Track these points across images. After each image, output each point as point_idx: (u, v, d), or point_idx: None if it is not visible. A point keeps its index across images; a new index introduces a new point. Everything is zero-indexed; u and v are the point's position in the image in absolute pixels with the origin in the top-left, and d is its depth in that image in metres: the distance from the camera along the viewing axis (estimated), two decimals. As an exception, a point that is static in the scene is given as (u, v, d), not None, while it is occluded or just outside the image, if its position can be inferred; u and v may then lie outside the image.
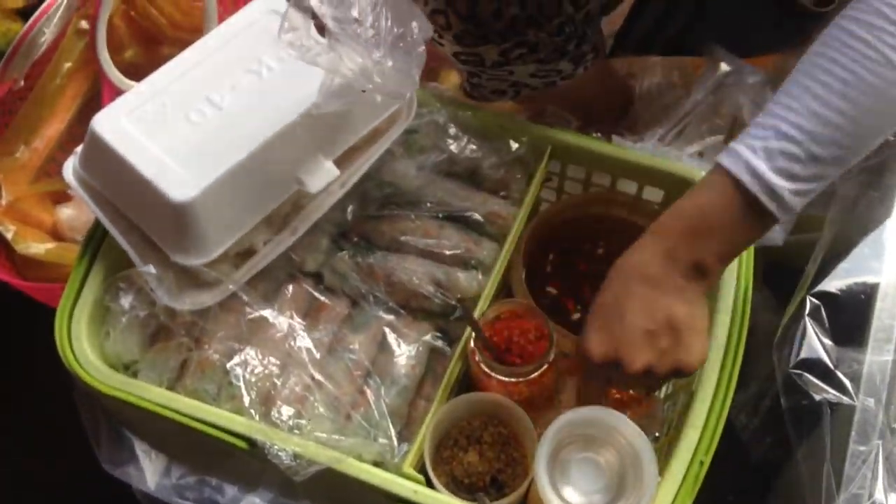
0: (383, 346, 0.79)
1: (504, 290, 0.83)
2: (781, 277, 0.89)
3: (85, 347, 0.75)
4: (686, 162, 0.85)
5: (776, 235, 0.96)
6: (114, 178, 0.76)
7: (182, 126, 0.75)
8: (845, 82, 0.61)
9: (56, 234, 1.12)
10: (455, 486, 0.73)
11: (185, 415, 0.72)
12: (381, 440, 0.73)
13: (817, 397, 0.63)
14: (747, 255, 0.78)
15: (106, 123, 0.75)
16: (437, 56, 1.16)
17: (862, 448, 0.63)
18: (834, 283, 0.68)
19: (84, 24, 1.10)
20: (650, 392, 0.77)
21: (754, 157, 0.62)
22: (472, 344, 0.75)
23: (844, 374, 0.64)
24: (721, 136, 1.01)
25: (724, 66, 1.01)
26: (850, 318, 0.67)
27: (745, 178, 0.62)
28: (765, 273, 0.88)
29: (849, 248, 0.73)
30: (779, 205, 0.62)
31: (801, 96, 0.62)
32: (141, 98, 0.77)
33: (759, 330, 0.85)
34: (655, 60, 1.19)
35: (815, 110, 0.61)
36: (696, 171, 0.84)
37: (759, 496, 0.94)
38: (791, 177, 0.61)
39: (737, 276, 0.76)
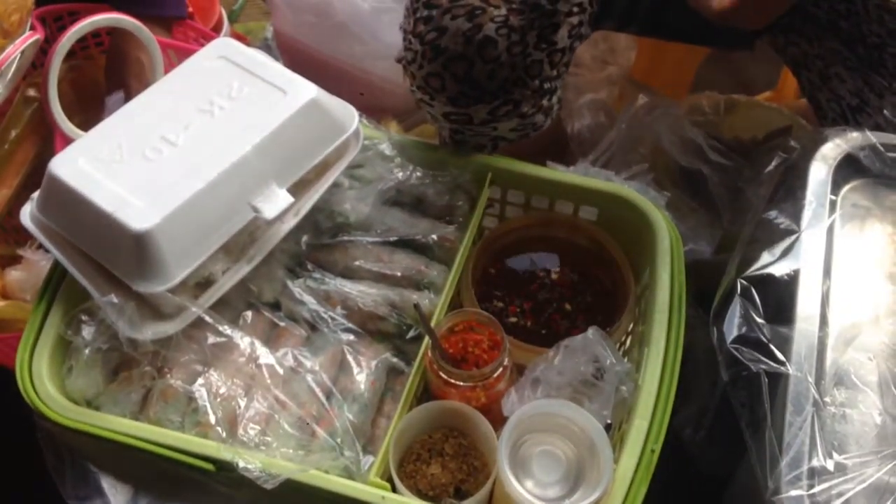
0: (343, 365, 0.81)
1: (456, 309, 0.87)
2: (711, 300, 0.95)
3: (46, 384, 0.76)
4: (615, 180, 0.91)
5: (704, 249, 1.04)
6: (72, 216, 0.78)
7: (138, 163, 0.78)
8: None
9: (6, 297, 1.12)
10: (420, 499, 0.75)
11: (149, 441, 0.73)
12: (347, 453, 0.75)
13: (755, 368, 0.68)
14: (678, 259, 0.84)
15: (63, 165, 0.78)
16: (379, 108, 1.23)
17: (798, 418, 0.68)
18: (761, 269, 0.74)
19: (32, 92, 1.13)
20: None
21: None
22: (429, 353, 0.78)
23: (777, 348, 0.69)
24: (646, 165, 1.08)
25: (642, 99, 1.09)
26: (777, 298, 0.72)
27: None
28: (696, 295, 0.94)
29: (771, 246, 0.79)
30: None
31: None
32: (97, 141, 0.80)
33: (697, 347, 0.91)
34: (582, 104, 1.28)
35: None
36: (627, 189, 0.90)
37: (714, 500, 0.97)
38: None
39: (670, 275, 0.82)
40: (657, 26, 1.10)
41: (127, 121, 0.82)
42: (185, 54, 0.94)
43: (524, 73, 0.88)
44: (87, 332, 0.75)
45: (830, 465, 0.67)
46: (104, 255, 0.77)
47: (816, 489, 0.64)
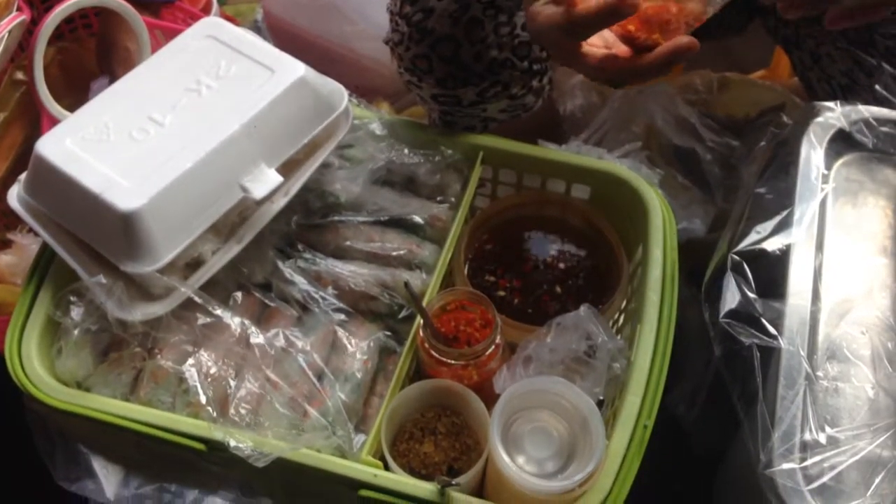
0: (335, 345, 0.81)
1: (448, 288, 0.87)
2: (703, 278, 0.94)
3: (36, 366, 0.75)
4: (608, 158, 0.91)
5: (697, 227, 1.03)
6: (60, 197, 0.77)
7: (126, 144, 0.77)
8: None
9: (-4, 282, 1.11)
10: (413, 478, 0.75)
11: (139, 422, 0.72)
12: (339, 432, 0.74)
13: (747, 342, 0.68)
14: (670, 236, 0.84)
15: (50, 146, 0.77)
16: (371, 89, 1.22)
17: (790, 391, 0.68)
18: (753, 244, 0.73)
19: (20, 75, 1.12)
20: None
21: None
22: (421, 332, 0.78)
23: (769, 323, 0.69)
24: (639, 143, 1.08)
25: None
26: (770, 273, 0.72)
27: None
28: (689, 273, 0.94)
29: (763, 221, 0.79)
30: None
31: None
32: (83, 121, 0.79)
33: (690, 325, 0.91)
34: (575, 84, 1.27)
35: None
36: (619, 167, 0.90)
37: (706, 481, 0.98)
38: None
39: (663, 252, 0.81)
40: None
41: (114, 101, 0.82)
42: (172, 35, 0.93)
43: (512, 54, 0.87)
44: (76, 313, 0.75)
45: (823, 439, 0.67)
46: (92, 235, 0.76)
47: (808, 462, 0.65)
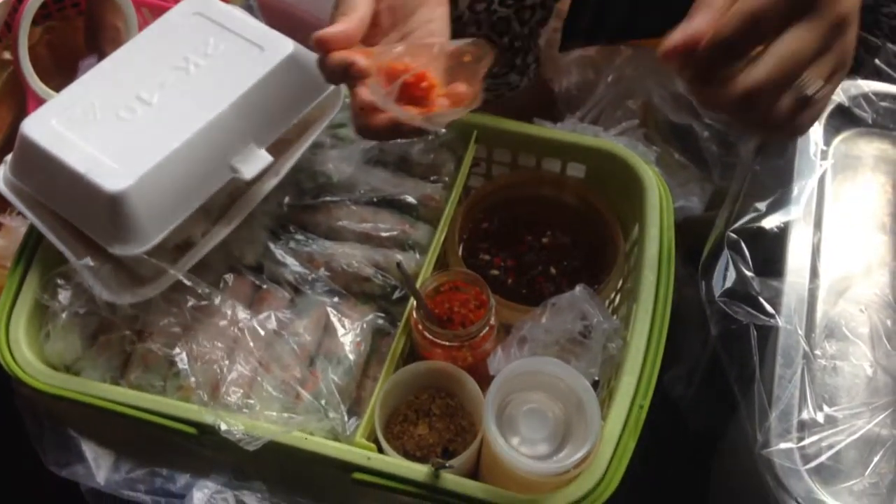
0: (328, 327, 0.80)
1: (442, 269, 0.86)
2: (700, 257, 0.93)
3: (24, 350, 0.74)
4: (604, 136, 0.89)
5: (695, 206, 1.02)
6: (46, 178, 0.76)
7: (113, 123, 0.76)
8: None
9: (-14, 266, 1.10)
10: (408, 460, 0.74)
11: (130, 406, 0.72)
12: (332, 415, 0.74)
13: (744, 322, 0.67)
14: (667, 214, 0.83)
15: (35, 126, 0.76)
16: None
17: (788, 370, 0.67)
18: (750, 222, 0.72)
19: (7, 55, 1.10)
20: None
21: None
22: (414, 314, 0.77)
23: (767, 301, 0.68)
24: (636, 121, 1.06)
25: (625, 50, 1.06)
26: (768, 251, 0.71)
27: None
28: (686, 252, 0.93)
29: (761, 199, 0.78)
30: None
31: None
32: (70, 100, 0.78)
33: (687, 305, 0.90)
34: (570, 61, 1.25)
35: None
36: (615, 144, 0.88)
37: (704, 460, 0.97)
38: None
39: (659, 230, 0.80)
40: (628, 32, 1.07)
41: (100, 80, 0.80)
42: (160, 12, 0.91)
43: (491, 31, 0.84)
44: (64, 296, 0.74)
45: (820, 418, 0.66)
46: (79, 217, 0.75)
47: (806, 441, 0.64)
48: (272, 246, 0.83)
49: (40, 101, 0.98)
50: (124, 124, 0.76)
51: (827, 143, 0.79)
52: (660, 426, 0.75)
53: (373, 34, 0.64)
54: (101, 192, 0.71)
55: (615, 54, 1.12)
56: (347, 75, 0.60)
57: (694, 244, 0.92)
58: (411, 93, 0.62)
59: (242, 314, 0.77)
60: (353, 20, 0.61)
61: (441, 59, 0.63)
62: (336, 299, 0.81)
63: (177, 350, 0.73)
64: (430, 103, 0.62)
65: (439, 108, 0.61)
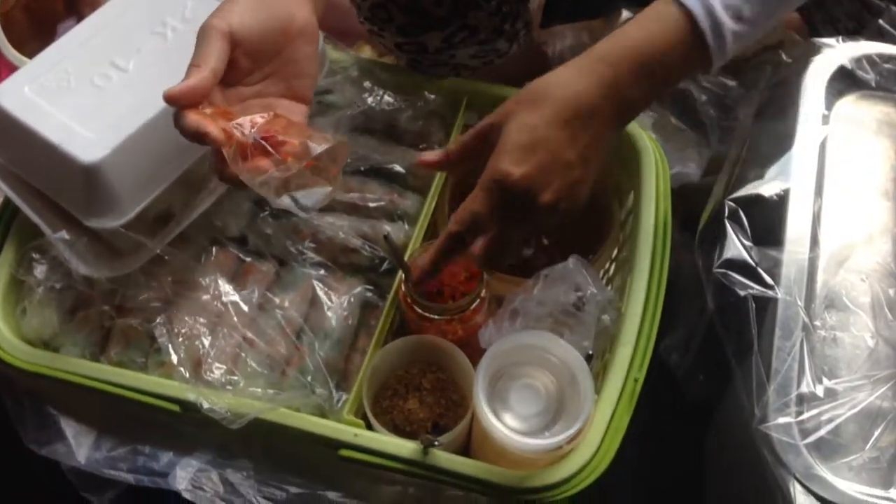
0: (314, 301, 0.78)
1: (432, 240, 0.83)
2: (697, 224, 0.91)
3: (0, 326, 0.72)
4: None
5: (692, 172, 1.00)
6: (20, 149, 0.73)
7: (87, 91, 0.73)
8: None
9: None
10: (397, 435, 0.73)
11: (110, 383, 0.70)
12: (319, 391, 0.72)
13: (742, 293, 0.65)
14: (663, 181, 0.80)
15: (8, 95, 0.73)
16: (353, 33, 1.17)
17: (787, 343, 0.65)
18: (749, 189, 0.70)
19: (-16, 22, 1.07)
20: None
21: None
22: (403, 288, 0.75)
23: (765, 272, 0.66)
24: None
25: (625, 14, 1.03)
26: (767, 220, 0.69)
27: (698, 12, 0.59)
28: (683, 220, 0.90)
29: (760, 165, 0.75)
30: (718, 47, 0.59)
31: None
32: (43, 67, 0.75)
33: (684, 272, 0.88)
34: (565, 26, 1.22)
35: None
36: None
37: (701, 429, 0.96)
38: (738, 18, 0.59)
39: (655, 198, 0.78)
40: (614, 2, 1.04)
41: (75, 46, 0.77)
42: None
43: None
44: (40, 270, 0.72)
45: (820, 391, 0.64)
46: (54, 189, 0.73)
47: (805, 416, 0.62)
48: (256, 217, 0.81)
49: (13, 69, 0.94)
50: (99, 92, 0.73)
51: (828, 106, 0.77)
52: (655, 396, 0.74)
53: (232, 77, 0.63)
54: (75, 163, 0.68)
55: (611, 15, 1.09)
56: (202, 142, 0.60)
57: (691, 211, 0.89)
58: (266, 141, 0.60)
59: (226, 288, 0.75)
60: (203, 73, 0.60)
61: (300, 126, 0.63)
62: (322, 272, 0.79)
63: (157, 325, 0.71)
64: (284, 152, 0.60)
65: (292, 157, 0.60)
